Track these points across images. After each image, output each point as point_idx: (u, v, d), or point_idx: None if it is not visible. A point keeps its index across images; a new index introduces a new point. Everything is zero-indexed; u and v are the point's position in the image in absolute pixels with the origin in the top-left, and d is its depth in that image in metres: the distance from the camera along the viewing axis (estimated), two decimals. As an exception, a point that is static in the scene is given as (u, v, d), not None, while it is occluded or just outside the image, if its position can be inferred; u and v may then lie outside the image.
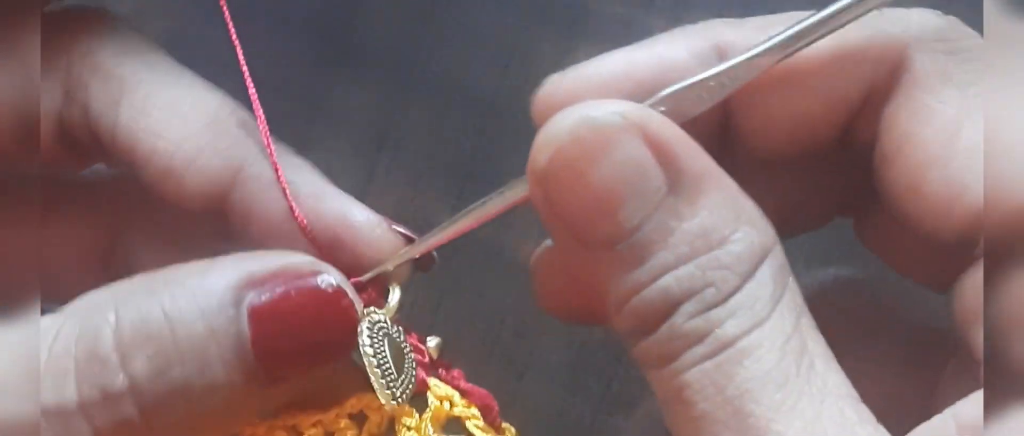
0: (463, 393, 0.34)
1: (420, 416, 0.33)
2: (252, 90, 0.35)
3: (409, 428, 0.33)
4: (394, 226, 0.34)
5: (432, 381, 0.34)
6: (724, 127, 0.33)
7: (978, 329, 0.28)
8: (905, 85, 0.29)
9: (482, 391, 0.34)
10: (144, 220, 0.38)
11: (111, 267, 0.39)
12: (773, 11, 0.44)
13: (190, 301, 0.29)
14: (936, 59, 0.29)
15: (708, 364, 0.28)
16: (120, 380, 0.28)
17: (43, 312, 0.30)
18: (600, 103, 0.29)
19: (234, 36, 0.36)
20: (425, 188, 0.44)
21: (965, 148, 0.28)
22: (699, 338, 0.28)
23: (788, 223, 0.32)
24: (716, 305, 0.28)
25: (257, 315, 0.29)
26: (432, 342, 0.34)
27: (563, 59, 0.45)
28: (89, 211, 0.39)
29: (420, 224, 0.45)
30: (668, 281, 0.28)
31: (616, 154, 0.28)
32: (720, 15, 0.44)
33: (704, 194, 0.28)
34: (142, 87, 0.34)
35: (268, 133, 0.34)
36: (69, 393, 0.28)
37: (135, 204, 0.38)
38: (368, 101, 0.45)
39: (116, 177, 0.39)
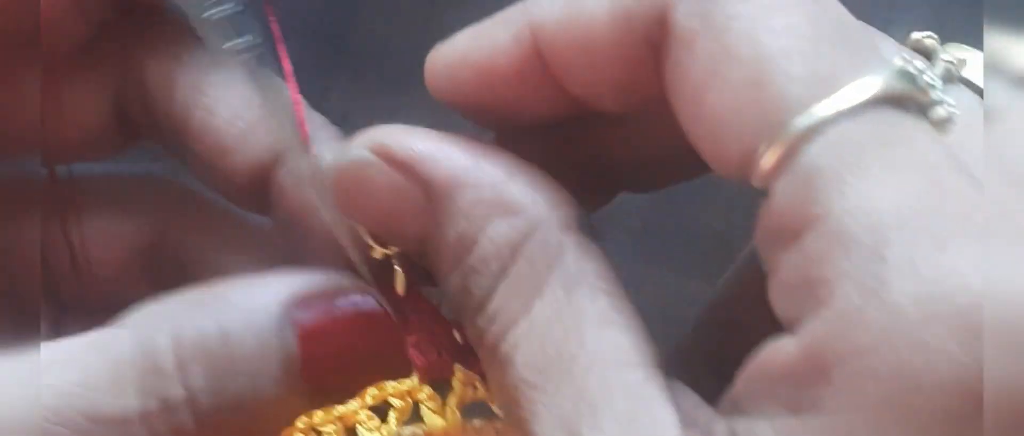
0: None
1: (444, 401, 0.34)
2: (296, 94, 0.36)
3: (434, 411, 0.34)
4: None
5: (457, 366, 0.34)
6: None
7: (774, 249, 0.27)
8: (668, 45, 0.28)
9: None
10: (188, 217, 0.40)
11: (155, 265, 0.40)
12: None
13: (241, 318, 0.31)
14: (691, 12, 0.28)
15: (492, 373, 0.29)
16: (179, 392, 0.29)
17: (84, 313, 0.31)
18: (361, 137, 0.30)
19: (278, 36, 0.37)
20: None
21: (713, 102, 0.27)
22: (480, 347, 0.29)
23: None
24: (478, 312, 0.28)
25: (304, 333, 0.31)
26: None
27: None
28: (133, 208, 0.40)
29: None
30: (448, 291, 0.29)
31: (372, 188, 0.30)
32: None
33: (454, 198, 0.29)
34: (196, 67, 0.36)
35: (303, 118, 0.36)
36: (131, 402, 0.29)
37: (179, 200, 0.39)
38: (368, 101, 0.45)
39: (158, 176, 0.40)
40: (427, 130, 0.31)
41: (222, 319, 0.31)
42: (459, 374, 0.33)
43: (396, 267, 0.33)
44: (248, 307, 0.31)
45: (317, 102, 0.47)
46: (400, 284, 0.33)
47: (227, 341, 0.30)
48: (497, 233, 0.28)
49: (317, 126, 0.37)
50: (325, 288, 0.32)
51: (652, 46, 0.29)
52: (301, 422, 0.33)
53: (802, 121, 0.25)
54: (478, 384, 0.33)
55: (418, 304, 0.33)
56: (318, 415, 0.33)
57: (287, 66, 0.37)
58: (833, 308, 0.24)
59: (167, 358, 0.30)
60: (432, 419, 0.33)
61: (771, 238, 0.26)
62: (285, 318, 0.31)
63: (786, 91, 0.25)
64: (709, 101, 0.27)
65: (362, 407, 0.33)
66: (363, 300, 0.32)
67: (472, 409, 0.34)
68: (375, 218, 0.31)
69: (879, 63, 0.26)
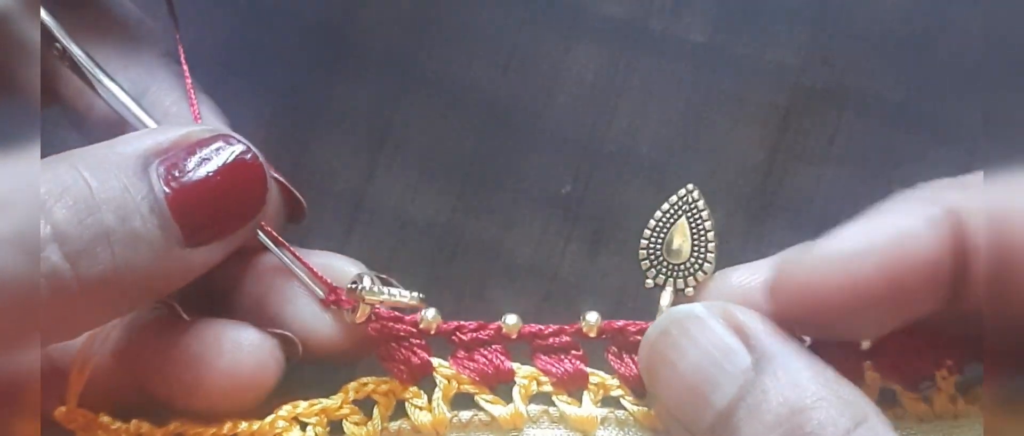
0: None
1: (428, 398, 0.34)
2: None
3: (420, 408, 0.34)
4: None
5: (436, 361, 0.34)
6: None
7: None
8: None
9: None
10: None
11: None
12: (771, 14, 0.44)
13: (102, 163, 0.31)
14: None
15: None
16: (43, 227, 0.29)
17: None
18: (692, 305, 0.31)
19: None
20: (425, 188, 0.44)
21: None
22: None
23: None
24: None
25: (168, 178, 0.32)
26: (429, 314, 0.34)
27: (563, 59, 0.46)
28: None
29: (420, 224, 0.45)
30: None
31: (701, 340, 0.30)
32: (718, 15, 0.44)
33: (787, 368, 0.29)
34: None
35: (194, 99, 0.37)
36: None
37: None
38: (368, 101, 0.45)
39: None
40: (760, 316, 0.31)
41: (80, 165, 0.31)
42: (442, 370, 0.34)
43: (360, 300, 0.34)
44: (108, 155, 0.32)
45: (317, 102, 0.47)
46: (362, 314, 0.34)
47: (88, 181, 0.31)
48: (833, 406, 0.29)
49: (206, 108, 0.38)
50: (181, 136, 0.33)
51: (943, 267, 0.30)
52: (285, 410, 0.33)
53: None
54: (462, 379, 0.34)
55: (387, 320, 0.34)
56: (302, 406, 0.33)
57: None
58: None
59: (29, 198, 0.30)
60: (418, 415, 0.33)
61: None
62: (147, 162, 0.32)
63: None
64: None
65: (346, 402, 0.33)
66: (226, 143, 0.33)
67: (457, 402, 0.34)
68: (689, 370, 0.31)
69: None
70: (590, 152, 0.44)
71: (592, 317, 0.34)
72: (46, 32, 0.35)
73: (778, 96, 0.43)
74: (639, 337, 0.33)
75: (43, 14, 0.35)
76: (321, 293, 0.34)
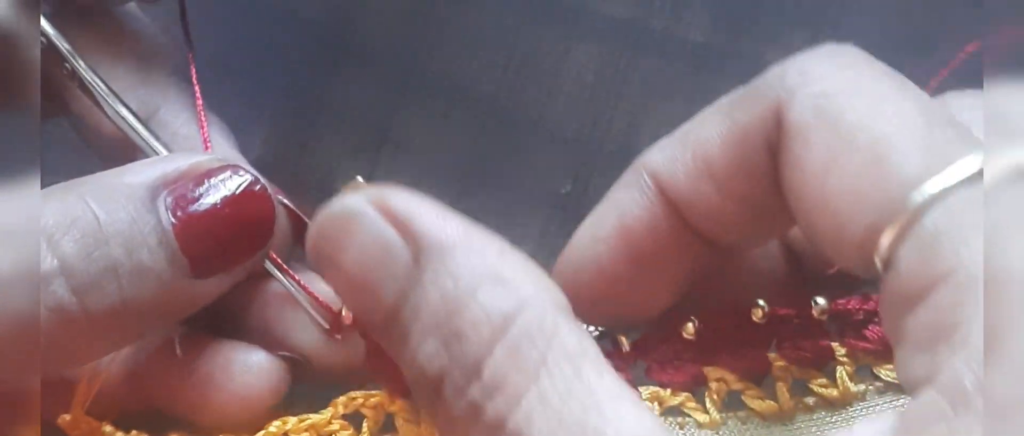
0: None
1: (356, 432, 0.33)
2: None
3: (408, 420, 0.33)
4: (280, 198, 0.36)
5: None
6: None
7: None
8: (784, 144, 0.30)
9: None
10: None
11: None
12: (771, 14, 0.44)
13: (111, 194, 0.31)
14: (805, 108, 0.29)
15: None
16: (49, 262, 0.29)
17: None
18: (355, 189, 0.29)
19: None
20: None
21: (834, 188, 0.28)
22: (472, 421, 0.26)
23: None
24: (469, 380, 0.26)
25: (176, 208, 0.32)
26: None
27: (563, 59, 0.46)
28: None
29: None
30: (420, 358, 0.27)
31: (358, 237, 0.28)
32: (718, 15, 0.44)
33: (446, 259, 0.27)
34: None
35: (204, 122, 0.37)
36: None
37: None
38: (368, 101, 0.45)
39: None
40: (424, 197, 0.29)
41: (90, 196, 0.31)
42: None
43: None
44: (116, 186, 0.32)
45: (317, 102, 0.47)
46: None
47: (96, 213, 0.31)
48: (490, 299, 0.26)
49: (216, 131, 0.38)
50: (195, 166, 0.33)
51: (770, 151, 0.30)
52: (274, 426, 0.33)
53: (922, 193, 0.26)
54: None
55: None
56: (291, 422, 0.33)
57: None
58: (972, 346, 0.24)
59: (34, 230, 0.30)
60: (406, 429, 0.33)
61: (897, 305, 0.27)
62: (156, 193, 0.32)
63: (904, 169, 0.27)
64: (829, 187, 0.28)
65: (335, 416, 0.33)
66: (234, 174, 0.33)
67: None
68: (352, 270, 0.29)
69: (978, 145, 0.27)
70: (590, 152, 0.44)
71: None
72: (56, 52, 0.35)
73: (778, 96, 0.44)
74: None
75: (53, 33, 0.35)
76: (325, 324, 0.35)
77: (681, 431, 0.33)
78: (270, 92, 0.46)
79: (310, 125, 0.45)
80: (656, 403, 0.33)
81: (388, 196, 0.28)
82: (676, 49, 0.44)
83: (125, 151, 0.36)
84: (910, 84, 0.29)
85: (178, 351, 0.34)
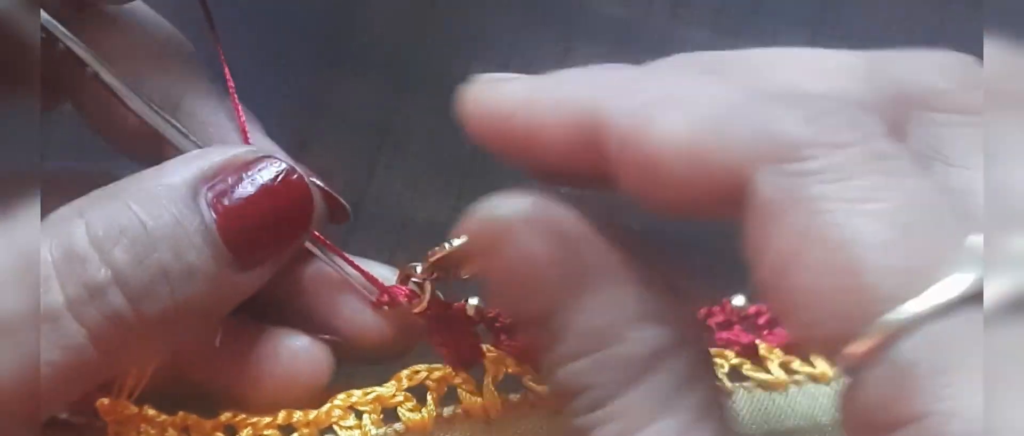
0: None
1: (479, 383, 0.34)
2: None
3: (471, 393, 0.34)
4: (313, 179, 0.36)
5: (487, 347, 0.34)
6: None
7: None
8: (751, 210, 0.27)
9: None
10: None
11: None
12: (771, 14, 0.44)
13: (153, 197, 0.31)
14: (778, 185, 0.27)
15: None
16: (103, 272, 0.30)
17: None
18: (512, 196, 0.29)
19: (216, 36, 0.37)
20: (425, 188, 0.44)
21: (799, 282, 0.26)
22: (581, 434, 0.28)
23: None
24: (596, 408, 0.28)
25: (217, 201, 0.32)
26: (472, 301, 0.34)
27: (563, 59, 0.45)
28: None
29: (420, 224, 0.45)
30: (563, 374, 0.28)
31: (512, 250, 0.29)
32: (719, 17, 0.44)
33: (598, 293, 0.28)
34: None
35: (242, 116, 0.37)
36: (54, 296, 0.29)
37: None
38: (368, 100, 0.45)
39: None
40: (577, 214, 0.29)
41: (133, 201, 0.31)
42: (490, 354, 0.34)
43: (426, 284, 0.34)
44: (157, 187, 0.32)
45: (317, 102, 0.47)
46: (425, 300, 0.34)
47: (141, 218, 0.31)
48: (642, 340, 0.28)
49: (253, 124, 0.38)
50: (232, 160, 0.33)
51: (731, 197, 0.27)
52: (340, 399, 0.33)
53: (896, 316, 0.25)
54: (509, 362, 0.34)
55: (440, 309, 0.34)
56: (356, 394, 0.33)
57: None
58: None
59: (83, 243, 0.30)
60: (469, 401, 0.33)
61: (861, 427, 0.26)
62: (196, 190, 0.32)
63: (878, 284, 0.25)
64: (794, 278, 0.26)
65: (399, 389, 0.34)
66: (270, 164, 0.33)
67: (505, 384, 0.34)
68: (501, 282, 0.30)
69: (970, 257, 0.25)
70: (590, 152, 0.44)
71: None
72: (76, 57, 0.35)
73: (778, 96, 0.44)
74: None
75: (66, 33, 0.35)
76: (371, 296, 0.35)
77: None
78: (270, 92, 0.46)
79: (310, 125, 0.45)
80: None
81: (549, 213, 0.29)
82: (676, 49, 0.44)
83: (150, 143, 0.36)
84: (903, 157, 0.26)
85: (218, 342, 0.34)
